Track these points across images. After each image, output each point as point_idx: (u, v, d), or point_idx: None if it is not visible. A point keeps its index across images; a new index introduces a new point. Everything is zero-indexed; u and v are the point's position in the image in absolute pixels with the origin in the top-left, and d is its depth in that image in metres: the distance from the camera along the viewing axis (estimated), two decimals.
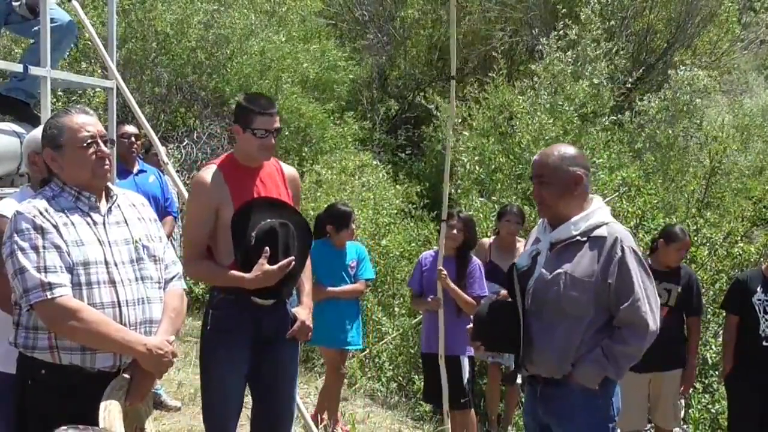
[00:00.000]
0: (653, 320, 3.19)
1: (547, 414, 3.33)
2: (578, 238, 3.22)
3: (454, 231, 5.68)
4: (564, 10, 13.56)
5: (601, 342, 3.20)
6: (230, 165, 3.85)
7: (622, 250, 3.17)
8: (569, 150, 3.36)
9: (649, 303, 3.19)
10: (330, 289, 5.73)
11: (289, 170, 4.08)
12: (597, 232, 3.21)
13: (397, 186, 11.71)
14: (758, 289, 5.68)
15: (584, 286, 3.16)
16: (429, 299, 5.65)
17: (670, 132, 12.06)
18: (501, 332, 3.32)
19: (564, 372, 3.21)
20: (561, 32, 12.50)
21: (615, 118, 11.95)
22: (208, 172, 3.81)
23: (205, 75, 11.89)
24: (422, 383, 6.89)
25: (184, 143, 11.28)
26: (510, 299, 3.38)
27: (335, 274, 5.80)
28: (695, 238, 8.24)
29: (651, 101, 12.59)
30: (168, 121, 11.65)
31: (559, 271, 3.20)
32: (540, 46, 12.76)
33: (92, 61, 10.52)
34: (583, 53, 12.31)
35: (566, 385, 3.23)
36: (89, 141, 2.94)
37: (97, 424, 2.72)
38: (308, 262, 4.05)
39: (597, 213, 3.27)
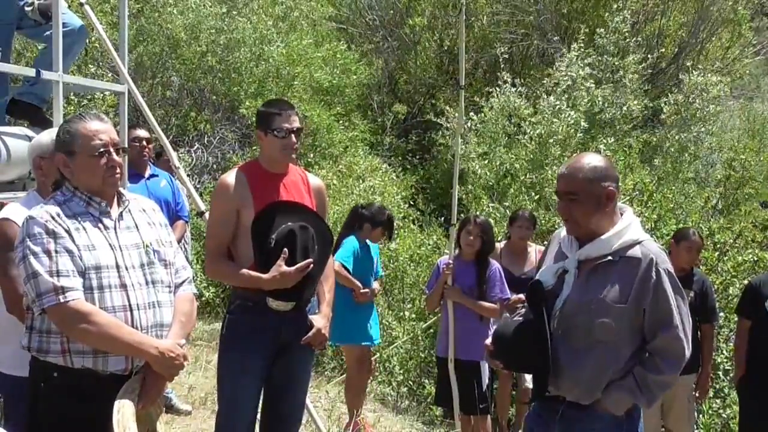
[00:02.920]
0: (688, 346, 3.03)
1: None
2: (610, 257, 3.00)
3: (471, 237, 5.69)
4: (575, 25, 13.56)
5: (634, 369, 3.03)
6: (254, 169, 3.91)
7: (657, 273, 2.96)
8: (600, 162, 3.09)
9: (685, 329, 3.02)
10: (362, 291, 5.92)
11: (315, 181, 4.10)
12: (630, 252, 3.00)
13: (404, 192, 11.72)
14: None
15: (617, 312, 2.96)
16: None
17: (682, 136, 12.02)
18: (525, 354, 3.11)
19: (593, 398, 3.03)
20: (582, 40, 12.45)
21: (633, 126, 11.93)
22: (231, 175, 3.88)
23: (216, 79, 11.93)
24: (433, 387, 6.91)
25: (195, 147, 11.32)
26: (531, 315, 3.15)
27: (367, 270, 5.99)
28: (708, 243, 8.21)
29: (664, 106, 12.57)
30: (179, 125, 11.70)
31: (589, 296, 3.00)
32: (552, 50, 12.75)
33: (100, 64, 10.57)
34: (606, 61, 12.29)
35: (592, 409, 3.05)
36: (101, 150, 2.95)
37: (109, 426, 2.74)
38: (331, 272, 4.08)
39: (630, 229, 3.04)
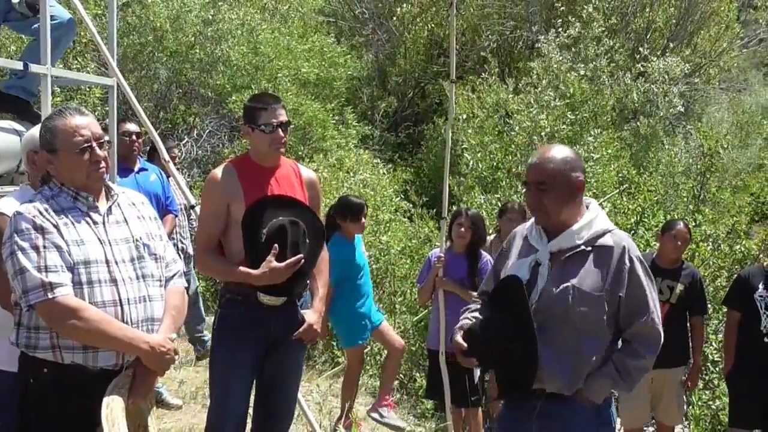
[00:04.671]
0: (662, 329, 3.09)
1: (544, 430, 3.11)
2: (583, 247, 3.05)
3: (463, 229, 5.70)
4: (563, 8, 13.59)
5: (613, 356, 3.07)
6: (245, 163, 3.89)
7: (631, 261, 3.02)
8: (569, 153, 3.14)
9: (658, 313, 3.08)
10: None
11: (308, 173, 4.08)
12: (602, 241, 3.05)
13: (395, 186, 11.73)
14: (760, 285, 5.71)
15: (594, 300, 2.99)
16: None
17: (656, 122, 12.13)
18: (509, 351, 3.04)
19: (576, 388, 3.04)
20: (561, 30, 12.52)
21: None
22: (221, 169, 3.87)
23: (204, 72, 11.90)
24: (424, 381, 6.91)
25: (184, 141, 11.29)
26: (504, 310, 3.09)
27: (350, 266, 5.77)
28: (695, 234, 8.26)
29: (635, 95, 12.68)
30: (168, 119, 11.66)
31: (566, 285, 3.01)
32: (539, 44, 12.80)
33: (86, 57, 10.51)
34: (585, 51, 12.34)
35: (572, 400, 3.06)
36: (84, 146, 2.93)
37: (99, 422, 2.74)
38: (324, 267, 4.05)
39: (598, 219, 3.10)
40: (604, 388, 3.08)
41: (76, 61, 10.25)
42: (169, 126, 11.54)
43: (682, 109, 13.09)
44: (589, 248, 3.04)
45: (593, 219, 3.08)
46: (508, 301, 3.08)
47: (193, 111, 11.84)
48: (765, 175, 12.89)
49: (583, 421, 3.08)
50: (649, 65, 12.96)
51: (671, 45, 15.21)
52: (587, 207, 3.14)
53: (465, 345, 3.15)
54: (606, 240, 3.05)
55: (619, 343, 3.13)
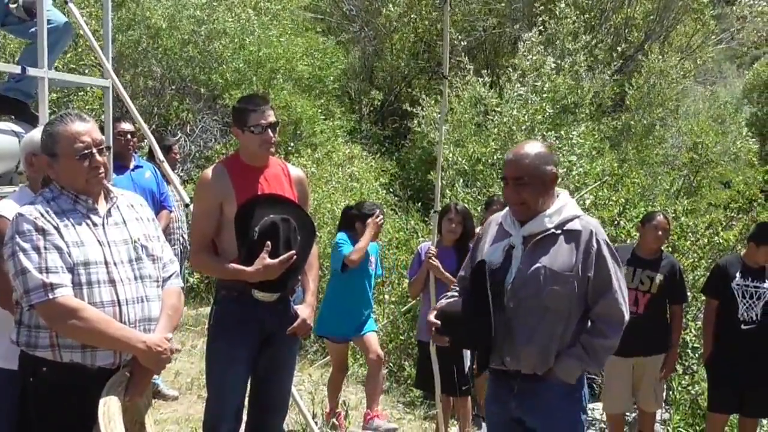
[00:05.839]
0: (627, 311, 3.28)
1: (521, 408, 3.32)
2: (553, 230, 3.23)
3: (453, 224, 5.81)
4: (541, 7, 13.75)
5: (581, 337, 3.24)
6: (235, 163, 3.98)
7: (598, 243, 3.21)
8: (542, 148, 3.35)
9: (623, 294, 3.27)
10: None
11: (296, 172, 4.17)
12: (570, 225, 3.24)
13: (382, 179, 11.85)
14: (737, 274, 5.84)
15: (564, 279, 3.17)
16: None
17: (646, 118, 12.28)
18: (471, 328, 3.26)
19: (547, 367, 3.23)
20: (541, 27, 12.67)
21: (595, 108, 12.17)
22: (213, 169, 3.96)
23: (197, 69, 11.96)
24: (413, 370, 7.02)
25: (178, 137, 11.34)
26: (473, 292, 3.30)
27: (360, 268, 5.88)
28: (675, 226, 8.43)
29: (628, 90, 12.84)
30: (161, 114, 11.72)
31: (537, 265, 3.20)
32: (521, 42, 12.94)
33: (82, 56, 10.57)
34: (562, 46, 12.49)
35: (545, 380, 3.24)
36: (84, 152, 2.97)
37: (97, 420, 2.81)
38: (315, 262, 4.17)
39: (568, 206, 3.30)
40: (574, 368, 3.26)
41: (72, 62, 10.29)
42: (163, 122, 11.59)
43: (674, 108, 13.27)
44: (559, 231, 3.25)
45: (562, 206, 3.29)
46: (474, 281, 3.29)
47: (186, 107, 11.89)
48: (741, 169, 13.09)
49: (556, 399, 3.28)
50: (646, 62, 13.11)
51: (649, 42, 15.43)
52: (557, 197, 3.35)
53: (437, 322, 3.35)
54: (575, 224, 3.26)
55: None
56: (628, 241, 6.27)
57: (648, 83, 12.88)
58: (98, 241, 2.98)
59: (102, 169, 3.03)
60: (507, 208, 3.45)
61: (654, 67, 12.97)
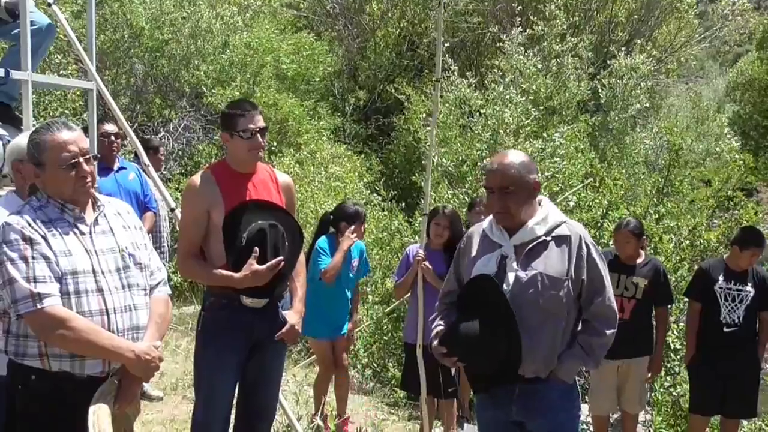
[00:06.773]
0: (617, 308, 3.44)
1: (523, 411, 3.36)
2: (543, 238, 3.30)
3: (441, 228, 5.83)
4: (520, 7, 13.80)
5: (578, 337, 3.34)
6: (223, 169, 3.95)
7: (587, 247, 3.30)
8: (524, 157, 3.41)
9: (612, 294, 3.41)
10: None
11: (284, 178, 4.16)
12: (559, 231, 3.32)
13: (366, 178, 11.85)
14: (720, 277, 5.90)
15: (560, 284, 3.25)
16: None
17: (620, 116, 12.37)
18: (494, 349, 3.24)
19: (550, 369, 3.30)
20: (521, 28, 12.70)
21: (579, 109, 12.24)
22: (200, 176, 3.92)
23: (180, 66, 11.90)
24: (397, 370, 7.03)
25: (161, 135, 11.29)
26: (484, 313, 3.27)
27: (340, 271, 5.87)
28: (658, 227, 8.49)
29: (600, 89, 12.95)
30: (144, 112, 11.66)
31: (534, 272, 3.26)
32: (502, 44, 12.98)
33: (63, 56, 10.49)
34: (549, 48, 12.54)
35: (546, 382, 3.32)
36: (71, 161, 2.95)
37: (86, 428, 2.80)
38: (302, 269, 4.17)
39: (552, 213, 3.38)
40: (574, 368, 3.37)
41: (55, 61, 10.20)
42: (145, 119, 11.53)
43: (647, 105, 13.39)
44: (549, 238, 3.32)
45: (548, 213, 3.37)
46: (486, 299, 3.27)
47: (168, 104, 11.83)
48: (723, 167, 13.17)
49: (558, 397, 3.37)
50: (615, 62, 13.21)
51: (635, 41, 15.51)
52: (540, 203, 3.42)
53: (444, 349, 3.34)
54: (563, 230, 3.34)
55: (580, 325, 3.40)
56: (611, 244, 6.29)
57: (619, 81, 12.97)
58: (86, 250, 2.97)
59: (89, 179, 3.01)
60: (488, 220, 3.48)
61: (622, 63, 13.07)
